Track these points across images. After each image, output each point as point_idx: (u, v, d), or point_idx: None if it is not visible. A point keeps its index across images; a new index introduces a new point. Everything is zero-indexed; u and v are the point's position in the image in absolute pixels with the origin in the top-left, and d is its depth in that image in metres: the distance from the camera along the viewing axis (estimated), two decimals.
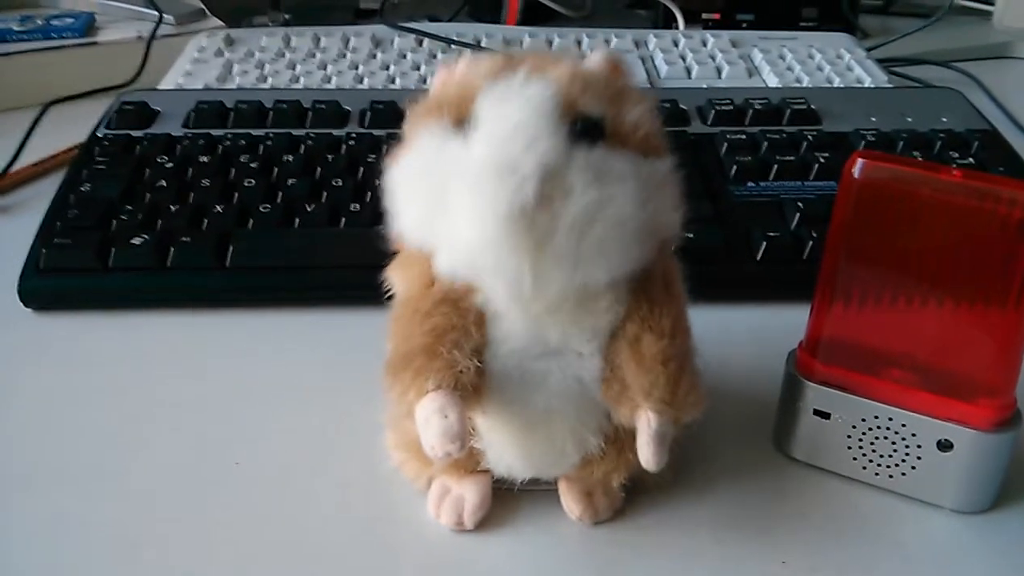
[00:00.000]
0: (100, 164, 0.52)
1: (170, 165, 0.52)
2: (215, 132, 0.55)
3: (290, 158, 0.52)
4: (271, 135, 0.54)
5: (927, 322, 0.33)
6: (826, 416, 0.35)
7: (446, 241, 0.29)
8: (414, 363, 0.29)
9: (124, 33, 0.74)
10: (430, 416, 0.29)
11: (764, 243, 0.46)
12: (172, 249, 0.46)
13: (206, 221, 0.48)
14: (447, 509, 0.33)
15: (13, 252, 0.47)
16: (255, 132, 0.55)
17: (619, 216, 0.27)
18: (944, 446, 0.33)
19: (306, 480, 0.36)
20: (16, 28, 0.72)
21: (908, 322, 0.33)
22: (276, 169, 0.51)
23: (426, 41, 0.73)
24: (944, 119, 0.57)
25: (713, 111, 0.57)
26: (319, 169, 0.51)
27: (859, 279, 0.33)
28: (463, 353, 0.29)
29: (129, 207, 0.48)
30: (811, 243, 0.46)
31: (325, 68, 0.68)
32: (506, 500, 0.34)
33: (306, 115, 0.56)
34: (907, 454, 0.34)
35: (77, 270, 0.46)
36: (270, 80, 0.67)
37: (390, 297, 0.32)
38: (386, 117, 0.56)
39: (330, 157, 0.52)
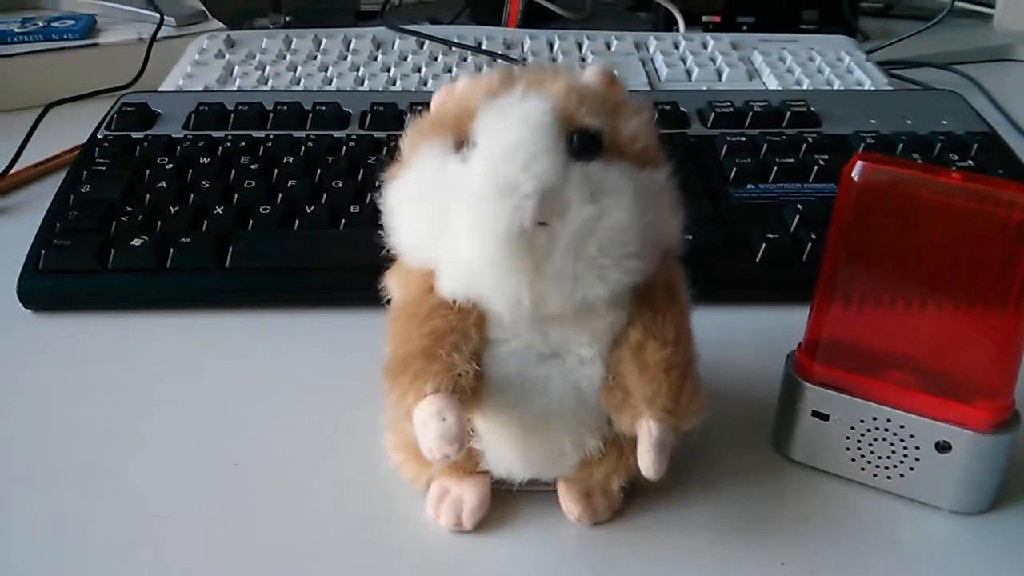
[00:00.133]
0: (100, 165, 0.52)
1: (170, 166, 0.52)
2: (215, 134, 0.55)
3: (290, 160, 0.52)
4: (271, 137, 0.54)
5: (926, 324, 0.33)
6: (825, 417, 0.35)
7: (446, 261, 0.29)
8: (412, 366, 0.30)
9: (125, 35, 0.74)
10: (428, 419, 0.29)
11: (763, 245, 0.46)
12: (172, 250, 0.46)
13: (206, 222, 0.48)
14: (446, 510, 0.33)
15: (13, 253, 0.47)
16: (255, 134, 0.55)
17: (617, 230, 0.27)
18: (943, 447, 0.33)
19: (304, 480, 0.36)
20: (17, 30, 0.72)
21: (907, 324, 0.33)
22: (276, 170, 0.51)
23: (427, 43, 0.73)
24: (944, 122, 0.57)
25: (713, 113, 0.57)
26: (319, 171, 0.51)
27: (858, 281, 0.33)
28: (462, 356, 0.29)
29: (129, 208, 0.48)
30: (810, 245, 0.46)
31: (326, 70, 0.69)
32: (505, 501, 0.34)
33: (307, 117, 0.57)
34: (905, 455, 0.34)
35: (77, 271, 0.46)
36: (271, 82, 0.67)
37: (389, 302, 0.33)
38: (387, 119, 0.56)
39: (330, 159, 0.52)
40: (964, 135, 0.55)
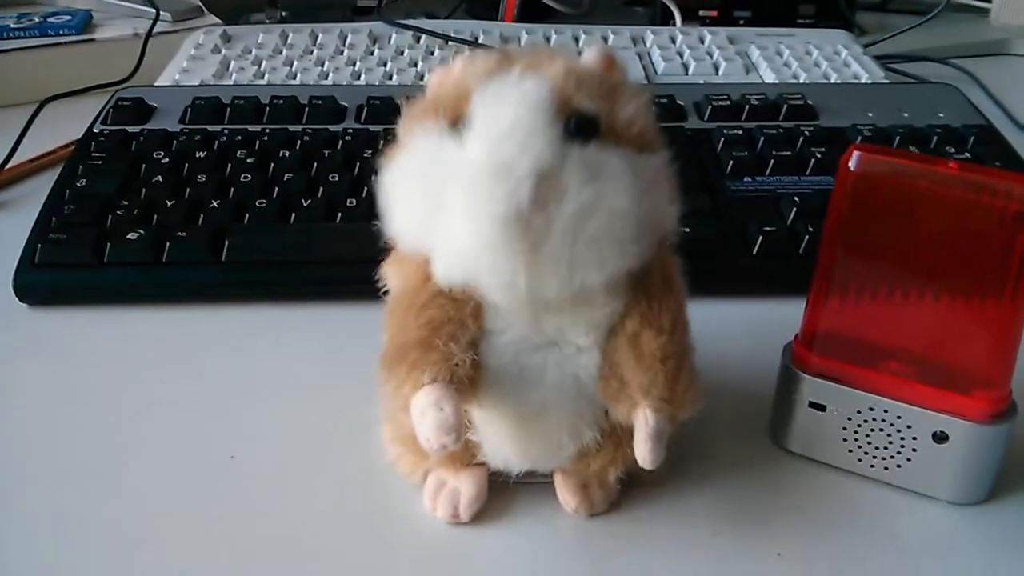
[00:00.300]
0: (96, 160, 0.52)
1: (166, 161, 0.51)
2: (211, 128, 0.55)
3: (286, 153, 0.52)
4: (267, 131, 0.54)
5: (923, 315, 0.33)
6: (822, 408, 0.35)
7: (442, 245, 0.28)
8: (410, 356, 0.29)
9: (121, 30, 0.74)
10: (426, 409, 0.29)
11: (760, 237, 0.46)
12: (168, 244, 0.46)
13: (202, 216, 0.47)
14: (443, 502, 0.33)
15: (9, 247, 0.47)
16: (252, 128, 0.55)
17: (614, 214, 0.27)
18: (940, 438, 0.33)
19: (303, 475, 0.36)
20: (13, 25, 0.72)
21: (904, 315, 0.33)
22: (272, 164, 0.51)
23: (423, 38, 0.73)
24: (941, 115, 0.57)
25: (710, 107, 0.57)
26: (315, 164, 0.51)
27: (855, 272, 0.33)
28: (459, 346, 0.29)
29: (125, 202, 0.48)
30: (807, 237, 0.46)
31: (322, 65, 0.68)
32: (502, 493, 0.34)
33: (303, 111, 0.56)
34: (903, 446, 0.34)
35: (73, 265, 0.46)
36: (267, 77, 0.67)
37: (386, 292, 0.32)
38: (383, 113, 0.56)
39: (327, 152, 0.52)
40: (961, 128, 0.55)
